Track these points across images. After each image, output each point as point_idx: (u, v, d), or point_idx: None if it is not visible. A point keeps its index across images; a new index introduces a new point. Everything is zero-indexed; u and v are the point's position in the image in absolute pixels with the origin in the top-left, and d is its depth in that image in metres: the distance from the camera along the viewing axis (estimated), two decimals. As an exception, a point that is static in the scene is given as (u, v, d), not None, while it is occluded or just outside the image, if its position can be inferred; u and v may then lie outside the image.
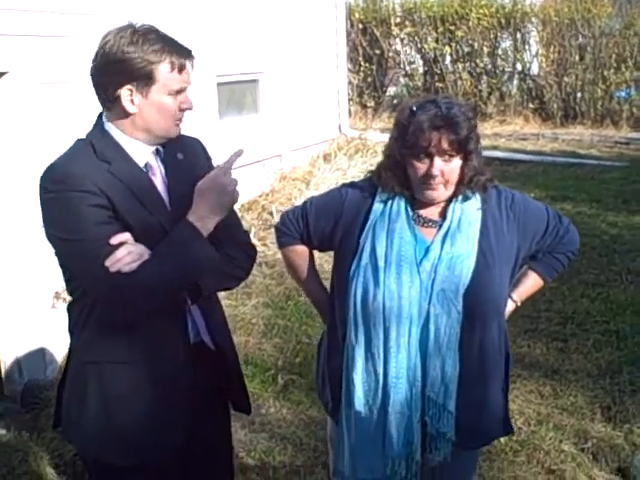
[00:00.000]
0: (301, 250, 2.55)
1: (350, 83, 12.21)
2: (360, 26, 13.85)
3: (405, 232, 2.29)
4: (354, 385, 2.32)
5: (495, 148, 10.36)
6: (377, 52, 13.91)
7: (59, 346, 4.82)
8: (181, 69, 2.10)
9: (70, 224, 2.02)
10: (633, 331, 4.90)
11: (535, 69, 13.39)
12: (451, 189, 2.27)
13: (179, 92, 2.12)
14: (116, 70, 2.05)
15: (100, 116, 2.18)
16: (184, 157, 2.25)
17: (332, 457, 2.63)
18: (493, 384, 2.39)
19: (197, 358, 2.24)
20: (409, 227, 2.30)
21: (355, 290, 2.29)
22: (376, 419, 2.32)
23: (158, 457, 2.21)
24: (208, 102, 6.82)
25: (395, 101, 14.21)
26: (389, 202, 2.33)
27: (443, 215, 2.32)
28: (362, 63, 13.86)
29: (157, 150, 2.20)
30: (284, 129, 7.91)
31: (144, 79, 2.06)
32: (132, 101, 2.08)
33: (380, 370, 2.28)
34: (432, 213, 2.33)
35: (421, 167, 2.23)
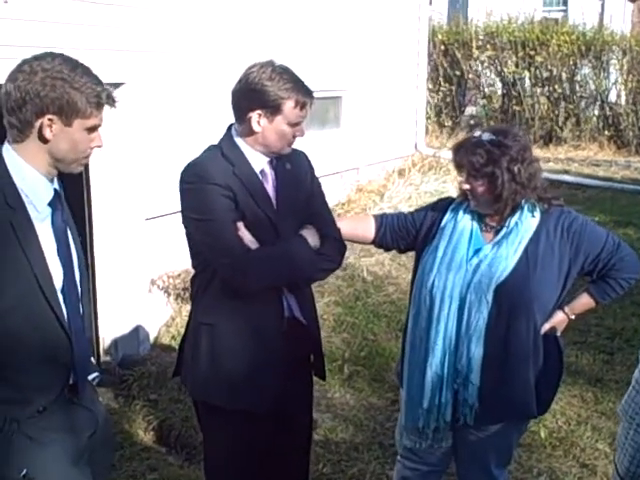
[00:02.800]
0: (372, 219, 3.11)
1: (429, 102, 12.62)
2: (442, 47, 14.22)
3: (466, 231, 2.84)
4: (407, 349, 2.92)
5: (566, 172, 10.64)
6: (457, 73, 14.25)
7: (152, 327, 5.42)
8: (302, 107, 2.64)
9: (204, 208, 2.60)
10: (677, 351, 5.22)
11: (613, 97, 13.55)
12: (484, 201, 2.78)
13: (297, 124, 2.67)
14: (252, 97, 2.62)
15: (230, 127, 2.76)
16: (291, 167, 2.80)
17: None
18: (517, 370, 2.80)
19: (290, 329, 2.77)
20: (471, 228, 2.84)
21: (418, 273, 2.89)
22: (418, 377, 2.84)
23: (253, 405, 2.73)
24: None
25: (472, 122, 14.55)
26: (461, 207, 2.90)
27: (502, 223, 2.82)
28: (442, 83, 14.22)
29: (271, 160, 2.76)
30: (363, 144, 8.38)
31: (272, 109, 2.61)
32: (259, 123, 2.63)
33: (424, 336, 2.82)
34: (495, 221, 2.85)
35: (461, 180, 2.83)
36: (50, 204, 2.18)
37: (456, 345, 2.78)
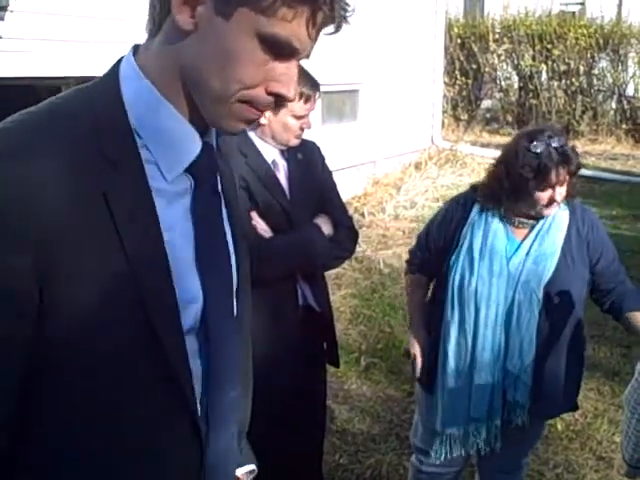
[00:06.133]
0: (416, 278, 3.05)
1: (445, 96, 12.60)
2: (459, 41, 14.21)
3: (500, 231, 2.75)
4: (447, 355, 2.80)
5: (583, 166, 10.53)
6: (474, 67, 14.23)
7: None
8: (307, 100, 2.65)
9: None
10: (695, 344, 5.22)
11: (631, 90, 13.49)
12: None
13: (303, 117, 2.69)
14: None
15: None
16: (303, 157, 2.84)
17: (416, 416, 3.13)
18: (565, 365, 2.76)
19: (305, 317, 2.81)
20: (504, 227, 2.76)
21: (454, 277, 2.75)
22: (464, 385, 2.78)
23: (269, 391, 2.74)
24: (311, 109, 7.38)
25: (488, 115, 14.53)
26: (488, 210, 2.78)
27: (535, 218, 2.74)
28: (458, 77, 14.21)
29: (282, 151, 2.80)
30: (379, 137, 8.41)
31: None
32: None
33: (470, 343, 2.75)
34: (525, 216, 2.76)
35: (543, 197, 2.62)
36: (191, 171, 1.21)
37: (506, 347, 2.73)
